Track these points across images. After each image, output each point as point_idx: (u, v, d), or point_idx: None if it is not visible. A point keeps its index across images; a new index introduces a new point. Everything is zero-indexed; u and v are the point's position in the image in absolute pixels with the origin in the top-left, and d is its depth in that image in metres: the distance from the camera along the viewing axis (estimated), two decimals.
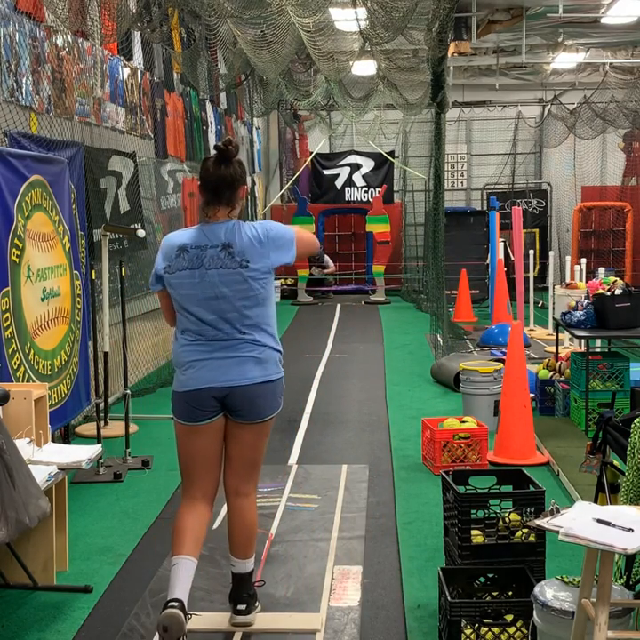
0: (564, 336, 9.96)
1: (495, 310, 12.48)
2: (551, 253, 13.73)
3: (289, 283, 17.94)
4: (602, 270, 9.94)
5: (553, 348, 9.11)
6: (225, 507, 4.14)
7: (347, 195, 18.61)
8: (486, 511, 4.18)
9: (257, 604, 4.11)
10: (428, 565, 4.76)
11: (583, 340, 8.16)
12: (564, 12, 12.20)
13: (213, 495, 3.98)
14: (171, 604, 3.65)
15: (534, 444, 6.73)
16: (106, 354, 7.26)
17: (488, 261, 14.13)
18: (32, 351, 6.09)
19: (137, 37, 9.64)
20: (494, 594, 3.93)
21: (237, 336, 3.81)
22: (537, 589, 3.41)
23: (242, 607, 4.01)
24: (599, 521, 2.98)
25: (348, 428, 7.76)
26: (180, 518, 3.89)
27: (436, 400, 8.75)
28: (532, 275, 13.22)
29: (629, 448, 3.69)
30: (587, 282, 9.53)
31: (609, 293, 7.50)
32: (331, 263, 18.02)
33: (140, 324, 9.55)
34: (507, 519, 4.16)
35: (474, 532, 4.13)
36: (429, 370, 9.80)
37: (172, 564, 3.80)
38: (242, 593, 4.02)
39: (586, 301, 7.67)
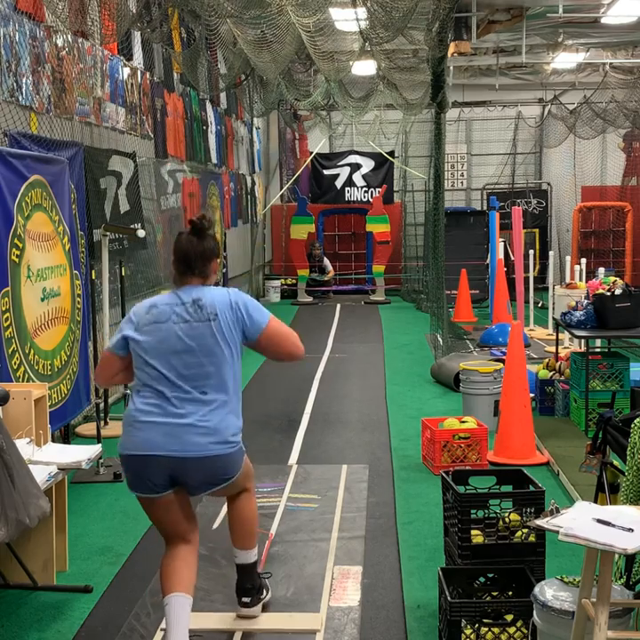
0: (564, 336, 9.96)
1: (495, 310, 12.48)
2: (551, 253, 13.73)
3: (289, 283, 17.94)
4: (602, 270, 9.93)
5: (553, 348, 9.11)
6: (225, 507, 4.17)
7: (347, 195, 18.61)
8: (486, 511, 4.18)
9: (263, 594, 4.17)
10: (428, 565, 4.76)
11: (583, 340, 8.16)
12: (564, 12, 12.18)
13: (195, 535, 3.86)
14: None
15: (534, 444, 6.73)
16: None
17: (488, 261, 14.13)
18: (32, 351, 6.09)
19: (137, 37, 9.64)
20: (494, 594, 3.93)
21: (197, 396, 3.65)
22: (537, 589, 3.41)
23: (246, 600, 4.09)
24: (599, 521, 2.98)
25: (348, 428, 7.76)
26: (166, 563, 3.76)
27: (435, 400, 8.75)
28: (531, 275, 13.22)
29: (629, 448, 3.69)
30: (587, 282, 9.53)
31: (609, 293, 7.50)
32: (329, 266, 18.04)
33: None
34: (507, 519, 4.16)
35: (474, 532, 4.13)
36: (429, 370, 9.80)
37: (165, 604, 3.68)
38: (245, 584, 4.07)
39: (586, 301, 7.66)
